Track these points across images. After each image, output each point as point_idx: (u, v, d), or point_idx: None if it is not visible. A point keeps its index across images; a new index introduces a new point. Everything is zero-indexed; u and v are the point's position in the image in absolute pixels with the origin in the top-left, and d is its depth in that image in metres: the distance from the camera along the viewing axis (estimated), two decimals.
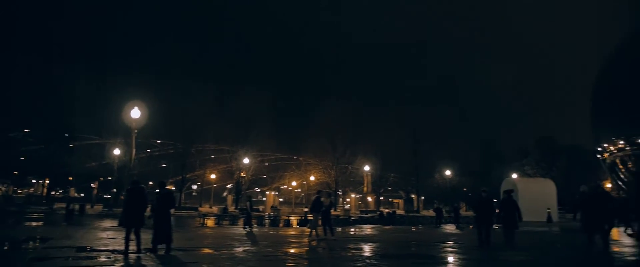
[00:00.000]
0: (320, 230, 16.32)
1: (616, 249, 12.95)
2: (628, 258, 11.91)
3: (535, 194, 33.88)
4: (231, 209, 51.48)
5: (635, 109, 12.75)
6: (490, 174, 64.52)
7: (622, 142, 13.15)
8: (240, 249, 12.65)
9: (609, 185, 40.15)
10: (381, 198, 73.15)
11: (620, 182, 13.88)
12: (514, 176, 52.93)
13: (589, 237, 12.72)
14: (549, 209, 32.13)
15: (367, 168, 63.70)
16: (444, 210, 49.80)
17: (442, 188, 66.91)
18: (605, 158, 14.00)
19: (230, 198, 65.56)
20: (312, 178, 69.51)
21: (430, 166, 70.03)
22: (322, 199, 17.07)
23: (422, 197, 71.78)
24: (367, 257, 11.55)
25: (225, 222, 31.85)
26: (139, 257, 10.31)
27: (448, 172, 64.28)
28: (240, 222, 30.25)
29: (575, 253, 13.23)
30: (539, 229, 24.66)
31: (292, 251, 13.11)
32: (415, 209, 67.90)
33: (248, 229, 21.49)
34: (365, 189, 74.35)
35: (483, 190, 14.11)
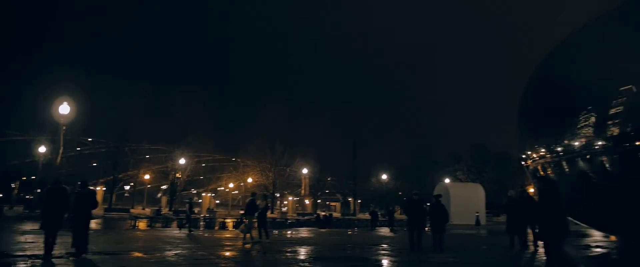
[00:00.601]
0: (255, 233, 16.17)
1: (531, 249, 13.67)
2: (539, 257, 12.56)
3: (466, 198, 35.44)
4: (165, 211, 49.93)
5: (556, 118, 13.74)
6: (424, 178, 66.75)
7: (543, 150, 14.12)
8: (171, 253, 12.27)
9: (532, 190, 42.76)
10: (318, 201, 73.67)
11: (519, 190, 15.25)
12: (447, 180, 55.14)
13: (511, 239, 13.62)
14: (477, 212, 33.64)
15: (305, 171, 63.95)
16: (379, 213, 50.83)
17: (378, 192, 68.46)
18: (528, 165, 14.95)
19: (164, 199, 63.60)
20: (249, 180, 68.82)
21: (368, 170, 71.53)
22: (258, 201, 16.94)
23: (359, 201, 72.98)
24: (302, 260, 11.56)
25: (158, 225, 30.87)
26: (55, 262, 9.73)
27: (384, 176, 65.87)
28: (174, 224, 29.40)
29: (496, 254, 13.86)
30: (468, 231, 25.78)
31: (226, 254, 12.89)
32: (351, 212, 68.90)
33: (187, 231, 20.88)
34: (302, 191, 74.58)
35: (415, 193, 14.49)
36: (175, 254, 12.13)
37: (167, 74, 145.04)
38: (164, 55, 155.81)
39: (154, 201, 69.89)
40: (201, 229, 28.43)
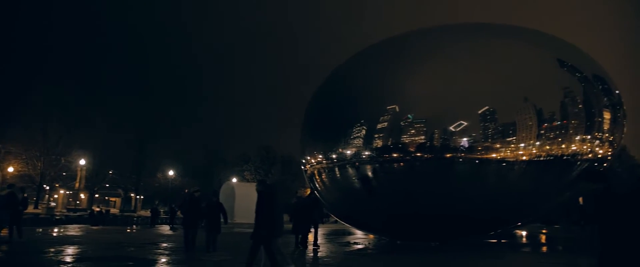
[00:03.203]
0: (5, 231, 13.86)
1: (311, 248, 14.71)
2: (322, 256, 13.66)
3: (251, 198, 36.32)
4: None
5: (333, 129, 15.37)
6: (213, 176, 66.70)
7: (320, 156, 15.63)
8: None
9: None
10: (96, 196, 67.20)
11: (316, 192, 16.46)
12: (234, 180, 56.09)
13: (296, 238, 14.31)
14: None
15: (82, 162, 57.49)
16: (162, 210, 48.80)
17: (163, 188, 65.69)
18: (307, 169, 16.32)
19: None
20: (10, 169, 58.73)
21: (155, 164, 68.03)
22: (19, 195, 14.60)
23: (141, 197, 68.93)
24: (62, 261, 10.32)
25: None
26: None
27: (171, 172, 63.61)
28: None
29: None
30: (248, 230, 26.51)
31: None
32: (132, 208, 64.67)
33: None
34: (77, 184, 66.94)
35: (196, 190, 14.06)
36: None
37: None
38: None
39: None
40: None
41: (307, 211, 14.45)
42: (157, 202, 48.81)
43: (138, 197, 69.09)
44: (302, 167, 18.54)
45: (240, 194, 36.08)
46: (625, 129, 16.62)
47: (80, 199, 67.95)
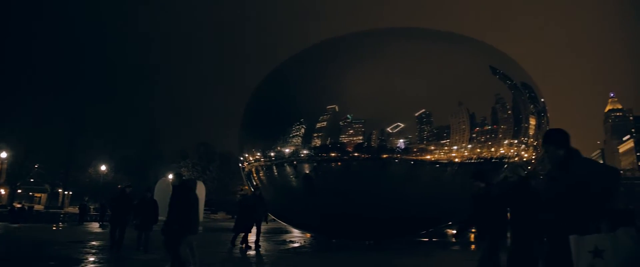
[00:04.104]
0: None
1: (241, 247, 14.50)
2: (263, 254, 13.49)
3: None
4: None
5: (272, 128, 15.20)
6: (148, 172, 64.45)
7: (259, 154, 15.42)
8: None
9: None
10: (19, 191, 63.04)
11: (252, 189, 16.26)
12: (171, 176, 54.44)
13: (235, 236, 13.99)
14: None
15: (4, 155, 53.67)
16: (92, 207, 46.57)
17: (94, 183, 62.64)
18: (244, 167, 16.03)
19: None
20: None
21: (87, 159, 64.68)
22: None
23: (70, 193, 65.43)
24: None
25: None
26: None
27: (103, 167, 60.80)
28: None
29: (210, 250, 14.13)
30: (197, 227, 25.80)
31: None
32: (59, 205, 61.25)
33: None
34: None
35: (127, 186, 13.38)
36: None
37: None
38: None
39: None
40: None
41: (252, 209, 14.21)
42: (86, 198, 46.27)
43: (66, 193, 65.53)
44: (240, 165, 18.27)
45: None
46: None
47: (0, 195, 63.44)
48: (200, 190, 38.45)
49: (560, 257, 3.59)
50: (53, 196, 68.74)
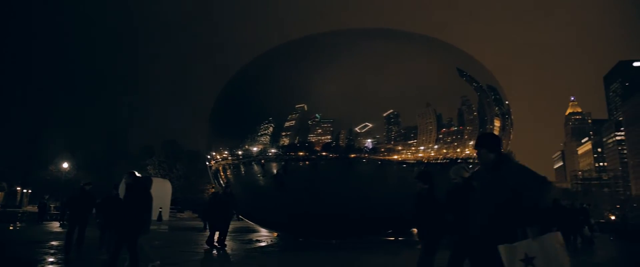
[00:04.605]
0: None
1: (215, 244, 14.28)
2: (231, 253, 13.32)
3: (153, 194, 34.75)
4: None
5: (240, 126, 15.04)
6: (113, 169, 62.91)
7: (226, 153, 15.21)
8: None
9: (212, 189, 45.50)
10: None
11: (223, 187, 16.17)
12: (136, 174, 53.22)
13: (212, 236, 13.62)
14: (160, 208, 33.54)
15: None
16: (52, 206, 45.15)
17: (56, 181, 60.75)
18: (212, 165, 15.81)
19: None
20: None
21: (49, 156, 62.68)
22: None
23: (29, 191, 63.23)
24: None
25: None
26: None
27: (66, 165, 59.02)
28: None
29: (176, 249, 13.87)
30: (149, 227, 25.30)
31: None
32: (18, 203, 59.12)
33: None
34: None
35: (87, 183, 12.72)
36: None
37: None
38: None
39: None
40: None
41: (222, 208, 13.90)
42: (46, 196, 44.85)
43: (25, 191, 63.29)
44: (208, 164, 18.03)
45: None
46: (511, 136, 18.08)
47: None
48: (167, 188, 37.84)
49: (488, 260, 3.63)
50: (11, 194, 66.18)
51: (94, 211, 12.46)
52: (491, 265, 3.55)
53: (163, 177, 57.33)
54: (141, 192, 7.76)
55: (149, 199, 7.83)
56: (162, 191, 36.85)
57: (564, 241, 3.52)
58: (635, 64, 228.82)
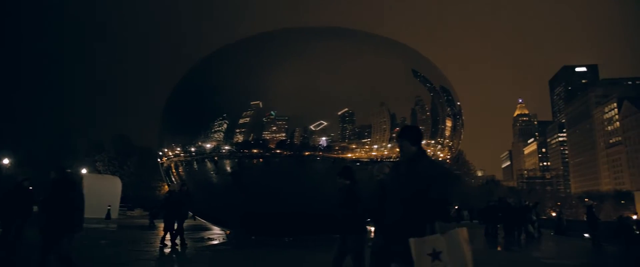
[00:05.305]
0: None
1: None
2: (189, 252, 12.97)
3: (101, 191, 33.63)
4: None
5: (194, 123, 14.75)
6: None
7: (179, 149, 14.81)
8: None
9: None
10: None
11: (180, 185, 15.71)
12: (84, 171, 51.31)
13: (165, 235, 13.06)
14: (109, 206, 32.43)
15: None
16: None
17: None
18: (163, 162, 15.37)
19: None
20: None
21: None
22: None
23: None
24: None
25: None
26: None
27: (6, 161, 56.04)
28: None
29: (126, 248, 13.46)
30: (96, 226, 24.45)
31: None
32: None
33: None
34: None
35: (24, 179, 11.86)
36: None
37: None
38: None
39: None
40: None
41: (179, 206, 13.39)
42: None
43: None
44: (159, 160, 17.57)
45: (90, 186, 33.10)
46: (462, 136, 18.60)
47: None
48: (116, 186, 36.62)
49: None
50: None
51: (35, 208, 11.77)
52: (403, 256, 3.62)
53: (113, 174, 55.46)
54: (69, 188, 7.18)
55: (78, 196, 7.24)
56: (111, 188, 35.68)
57: (468, 237, 3.62)
58: (578, 69, 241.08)
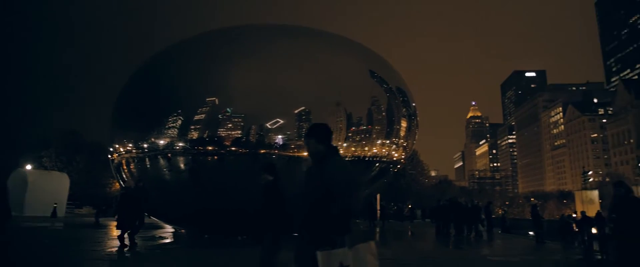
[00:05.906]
0: None
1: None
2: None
3: (47, 188, 32.24)
4: None
5: (147, 118, 14.29)
6: (1, 162, 57.36)
7: (130, 145, 14.34)
8: None
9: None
10: None
11: (122, 182, 14.97)
12: (29, 167, 49.03)
13: (122, 234, 12.38)
14: (55, 203, 31.12)
15: None
16: None
17: None
18: (114, 158, 14.82)
19: None
20: None
21: None
22: None
23: None
24: None
25: None
26: None
27: None
28: None
29: (73, 248, 12.97)
30: (41, 224, 23.43)
31: None
32: None
33: None
34: None
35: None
36: None
37: None
38: None
39: None
40: None
41: (135, 204, 12.67)
42: None
43: None
44: (109, 156, 17.02)
45: (35, 183, 31.70)
46: (417, 137, 18.99)
47: None
48: (63, 183, 35.20)
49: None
50: None
51: None
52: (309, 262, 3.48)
53: (61, 170, 53.22)
54: None
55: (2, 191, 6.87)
56: (58, 185, 34.27)
57: (376, 251, 3.54)
58: (528, 74, 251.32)
